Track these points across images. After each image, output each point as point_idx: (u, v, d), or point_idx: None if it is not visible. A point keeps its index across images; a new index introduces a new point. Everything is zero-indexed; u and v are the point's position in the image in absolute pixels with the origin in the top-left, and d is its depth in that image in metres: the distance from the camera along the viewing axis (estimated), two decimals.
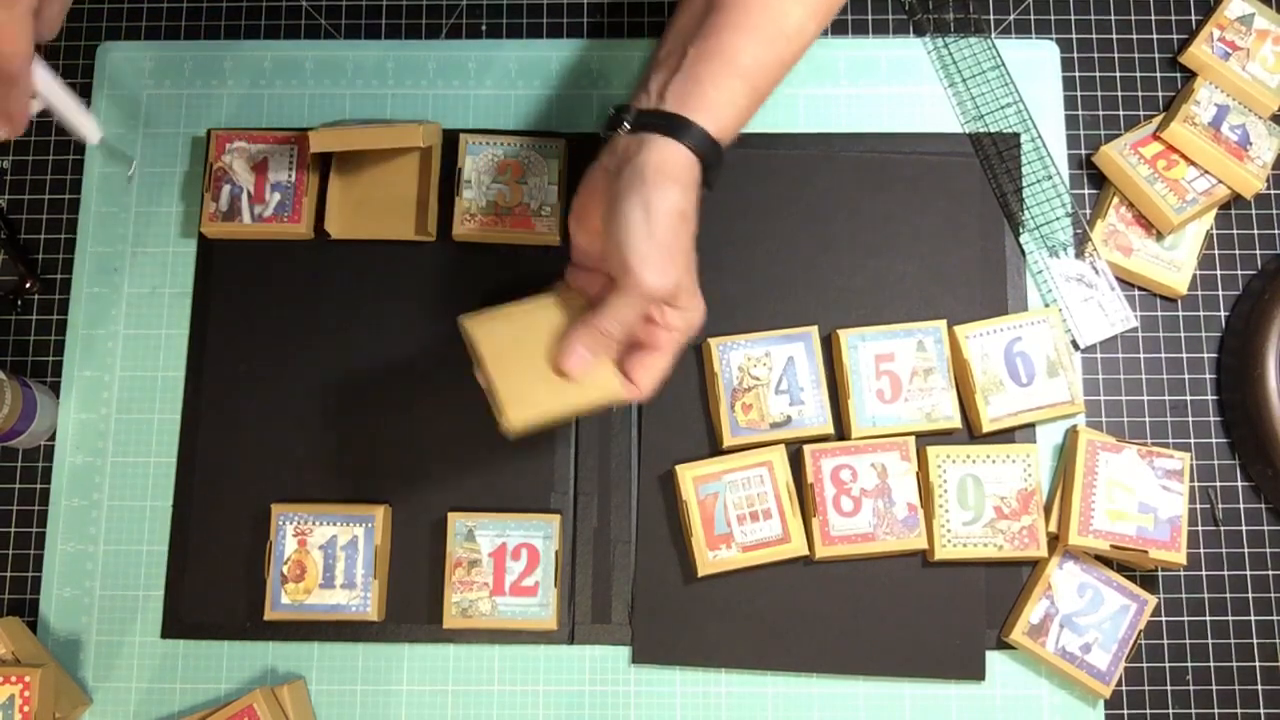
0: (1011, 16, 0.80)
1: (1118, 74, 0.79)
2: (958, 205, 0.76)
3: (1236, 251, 0.77)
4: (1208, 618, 0.72)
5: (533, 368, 0.58)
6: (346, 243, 0.76)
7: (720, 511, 0.70)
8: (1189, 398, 0.75)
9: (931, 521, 0.70)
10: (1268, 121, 0.76)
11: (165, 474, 0.74)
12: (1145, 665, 0.71)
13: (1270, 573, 0.72)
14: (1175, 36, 0.80)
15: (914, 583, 0.71)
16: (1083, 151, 0.78)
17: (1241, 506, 0.73)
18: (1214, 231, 0.77)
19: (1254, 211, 0.77)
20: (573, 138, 0.77)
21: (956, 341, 0.72)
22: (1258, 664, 0.71)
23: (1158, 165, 0.74)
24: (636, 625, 0.71)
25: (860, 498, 0.70)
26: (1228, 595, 0.72)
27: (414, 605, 0.71)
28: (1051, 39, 0.80)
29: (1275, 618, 0.72)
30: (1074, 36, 0.80)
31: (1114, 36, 0.80)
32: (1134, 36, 0.80)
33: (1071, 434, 0.72)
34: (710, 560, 0.69)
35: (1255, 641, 0.71)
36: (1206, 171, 0.74)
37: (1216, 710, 0.70)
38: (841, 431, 0.72)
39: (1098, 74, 0.79)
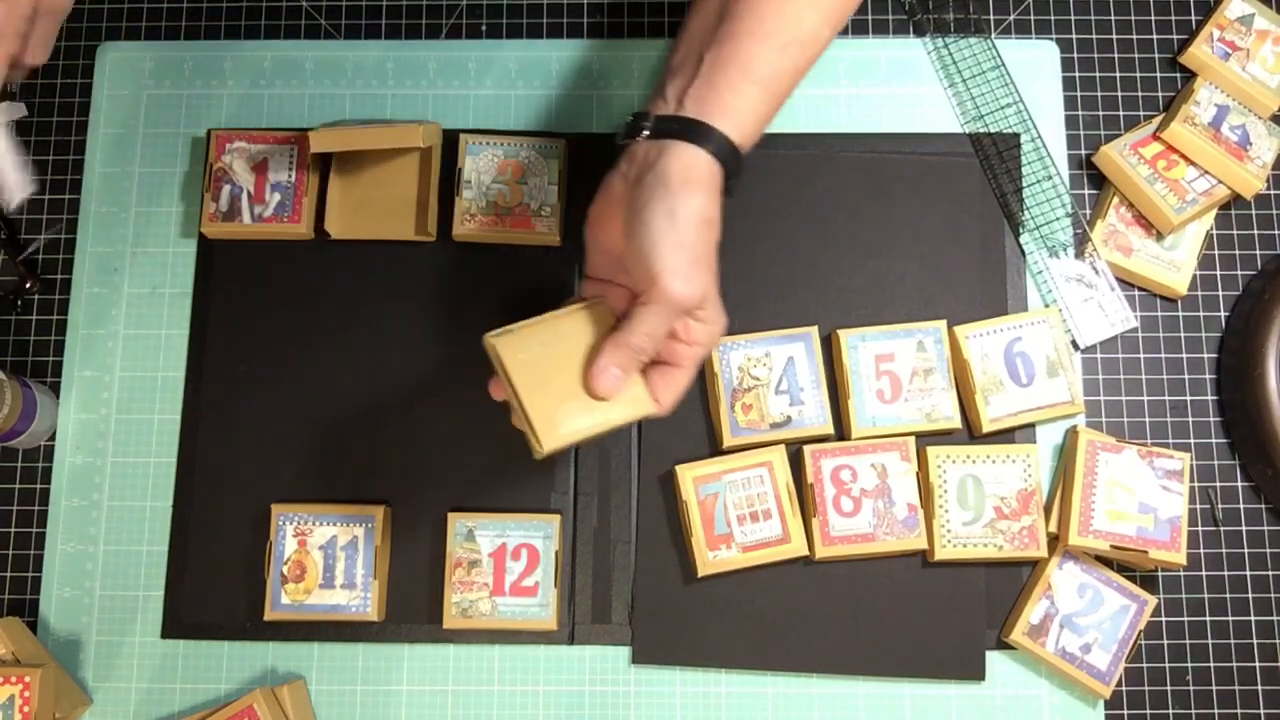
0: (1011, 16, 0.80)
1: (1118, 74, 0.79)
2: (958, 205, 0.76)
3: (1236, 251, 0.77)
4: (1208, 618, 0.72)
5: (561, 387, 0.56)
6: (346, 243, 0.76)
7: (720, 511, 0.70)
8: (1189, 398, 0.75)
9: (931, 522, 0.70)
10: (1268, 122, 0.76)
11: (165, 474, 0.74)
12: (1145, 665, 0.71)
13: (1270, 573, 0.72)
14: (1175, 36, 0.80)
15: (914, 583, 0.71)
16: (1083, 151, 0.78)
17: (1241, 506, 0.73)
18: (1214, 232, 0.77)
19: (1254, 211, 0.77)
20: (573, 138, 0.77)
21: (956, 341, 0.72)
22: (1258, 664, 0.71)
23: (1158, 165, 0.75)
24: (636, 625, 0.71)
25: (860, 498, 0.70)
26: (1228, 595, 0.72)
27: (414, 605, 0.71)
28: (1051, 39, 0.80)
29: (1275, 618, 0.72)
30: (1074, 36, 0.80)
31: (1114, 36, 0.80)
32: (1134, 36, 0.80)
33: (1071, 434, 0.72)
34: (710, 560, 0.69)
35: (1255, 641, 0.71)
36: (1206, 172, 0.74)
37: (1216, 710, 0.70)
38: (841, 432, 0.72)
39: (1098, 74, 0.79)
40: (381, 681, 0.71)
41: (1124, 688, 0.71)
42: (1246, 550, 0.73)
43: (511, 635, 0.71)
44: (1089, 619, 0.69)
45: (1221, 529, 0.73)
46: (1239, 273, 0.76)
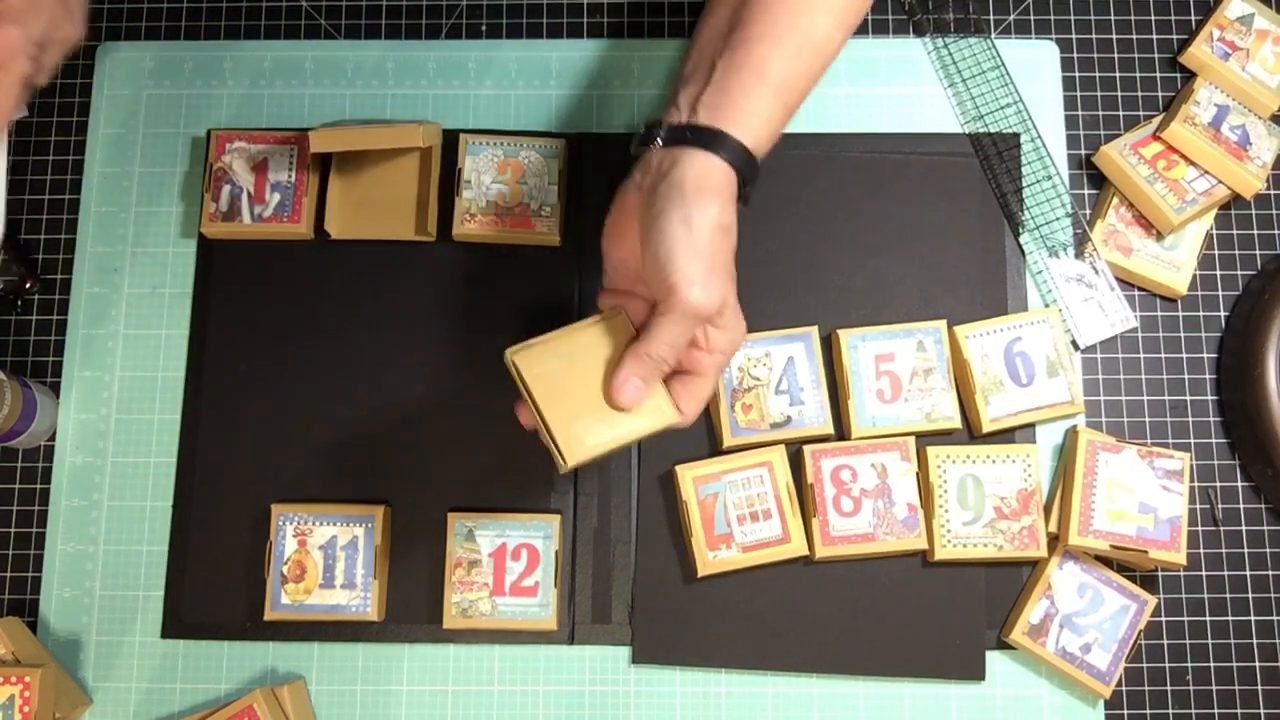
0: (1011, 16, 0.80)
1: (1118, 74, 0.79)
2: (958, 205, 0.76)
3: (1236, 251, 0.77)
4: (1208, 618, 0.72)
5: (583, 401, 0.56)
6: (346, 243, 0.76)
7: (720, 511, 0.70)
8: (1189, 398, 0.75)
9: (931, 521, 0.70)
10: (1268, 122, 0.76)
11: (165, 474, 0.74)
12: (1145, 665, 0.71)
13: (1270, 573, 0.72)
14: (1175, 36, 0.80)
15: (914, 583, 0.71)
16: (1083, 151, 0.78)
17: (1241, 506, 0.73)
18: (1214, 231, 0.77)
19: (1254, 211, 0.77)
20: (573, 138, 0.77)
21: (956, 341, 0.72)
22: (1258, 664, 0.71)
23: (1158, 165, 0.75)
24: (636, 625, 0.71)
25: (860, 498, 0.70)
26: (1228, 595, 0.72)
27: (414, 605, 0.71)
28: (1051, 39, 0.80)
29: (1275, 618, 0.72)
30: (1074, 36, 0.80)
31: (1114, 36, 0.80)
32: (1134, 36, 0.80)
33: (1071, 434, 0.72)
34: (710, 560, 0.69)
35: (1255, 641, 0.71)
36: (1206, 171, 0.74)
37: (1216, 710, 0.70)
38: (841, 432, 0.72)
39: (1098, 74, 0.79)
40: (381, 681, 0.71)
41: (1124, 688, 0.71)
42: (1246, 550, 0.73)
43: (511, 635, 0.71)
44: (1089, 619, 0.69)
45: (1221, 529, 0.73)
46: (1239, 273, 0.76)
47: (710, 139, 0.55)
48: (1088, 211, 0.77)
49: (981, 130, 0.77)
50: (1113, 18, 0.80)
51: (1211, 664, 0.71)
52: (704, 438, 0.73)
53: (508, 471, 0.73)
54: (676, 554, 0.71)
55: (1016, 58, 0.79)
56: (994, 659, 0.71)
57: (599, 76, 0.79)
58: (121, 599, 0.72)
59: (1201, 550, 0.73)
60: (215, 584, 0.72)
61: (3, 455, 0.75)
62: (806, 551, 0.70)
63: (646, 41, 0.80)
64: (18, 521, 0.74)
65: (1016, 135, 0.77)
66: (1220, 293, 0.76)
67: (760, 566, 0.70)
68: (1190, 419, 0.74)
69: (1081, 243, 0.75)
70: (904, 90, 0.79)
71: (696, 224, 0.53)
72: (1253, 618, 0.72)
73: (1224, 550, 0.73)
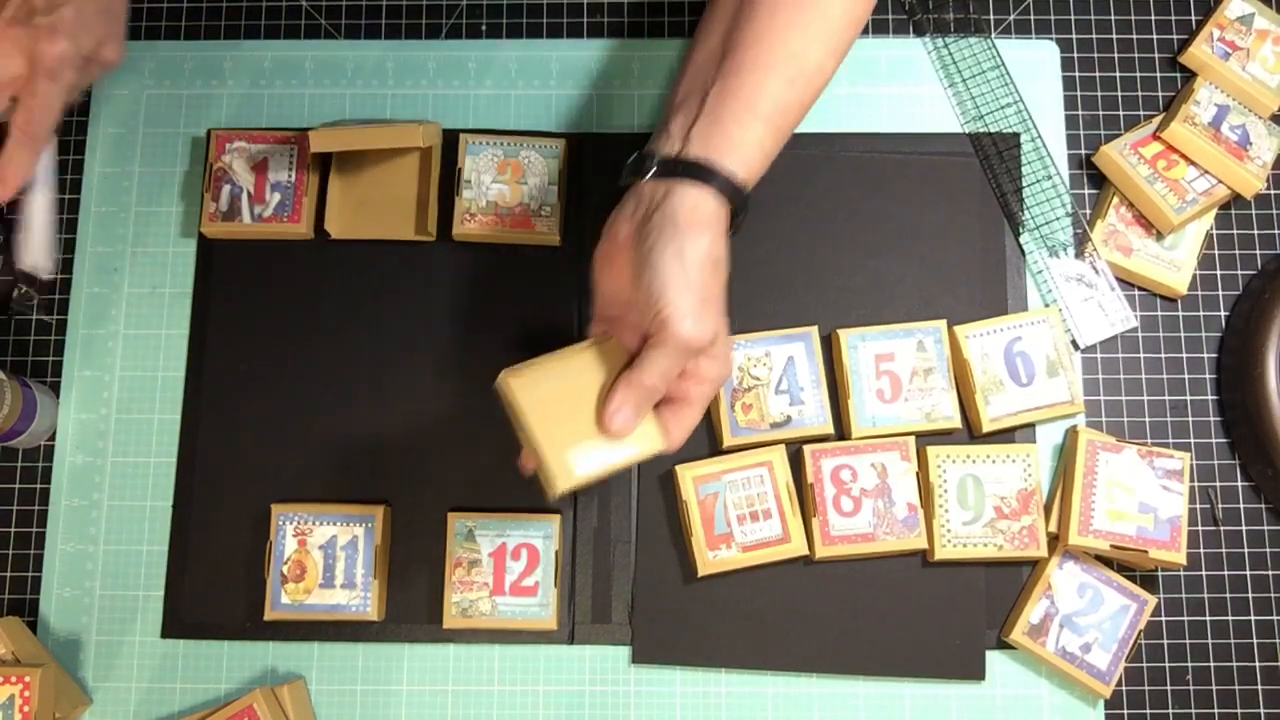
0: (1011, 16, 0.80)
1: (1118, 74, 0.79)
2: (958, 205, 0.76)
3: (1236, 251, 0.77)
4: (1208, 618, 0.72)
5: (575, 427, 0.56)
6: (346, 243, 0.76)
7: (720, 511, 0.70)
8: (1189, 398, 0.75)
9: (931, 521, 0.70)
10: (1268, 121, 0.76)
11: (165, 474, 0.74)
12: (1145, 665, 0.71)
13: (1270, 573, 0.72)
14: (1175, 36, 0.80)
15: (914, 583, 0.71)
16: (1083, 151, 0.78)
17: (1241, 506, 0.73)
18: (1214, 231, 0.77)
19: (1254, 211, 0.77)
20: (573, 138, 0.77)
21: (956, 341, 0.72)
22: (1258, 664, 0.71)
23: (1158, 165, 0.75)
24: (636, 625, 0.71)
25: (860, 498, 0.70)
26: (1228, 595, 0.72)
27: (414, 605, 0.71)
28: (1051, 39, 0.80)
29: (1275, 618, 0.72)
30: (1074, 36, 0.80)
31: (1114, 36, 0.80)
32: (1134, 36, 0.80)
33: (1071, 434, 0.72)
34: (710, 560, 0.69)
35: (1255, 641, 0.71)
36: (1206, 171, 0.74)
37: (1216, 710, 0.70)
38: (841, 431, 0.72)
39: (1098, 74, 0.79)
40: (381, 681, 0.71)
41: (1124, 688, 0.71)
42: (1246, 550, 0.73)
43: (511, 635, 0.71)
44: (1089, 619, 0.69)
45: (1221, 529, 0.73)
46: (1239, 272, 0.76)
47: (702, 171, 0.55)
48: (1088, 211, 0.77)
49: (981, 130, 0.77)
50: (1113, 18, 0.80)
51: (1211, 664, 0.71)
52: (704, 438, 0.73)
53: (508, 471, 0.72)
54: (676, 554, 0.71)
55: (1016, 58, 0.79)
56: (994, 659, 0.71)
57: (599, 76, 0.79)
58: (121, 599, 0.72)
59: (1201, 550, 0.73)
60: (215, 584, 0.72)
61: (3, 455, 0.75)
62: (806, 551, 0.70)
63: (646, 41, 0.80)
64: (18, 521, 0.74)
65: (1016, 135, 0.77)
66: (1220, 293, 0.76)
67: (760, 566, 0.70)
68: (1190, 419, 0.74)
69: (1081, 243, 0.75)
70: (904, 90, 0.79)
71: (689, 257, 0.53)
72: (1253, 618, 0.72)
73: (1224, 550, 0.73)
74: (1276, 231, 0.77)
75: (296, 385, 0.74)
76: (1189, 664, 0.71)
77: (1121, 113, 0.79)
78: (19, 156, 0.57)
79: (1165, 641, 0.71)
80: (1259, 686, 0.71)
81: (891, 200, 0.76)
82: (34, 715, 0.65)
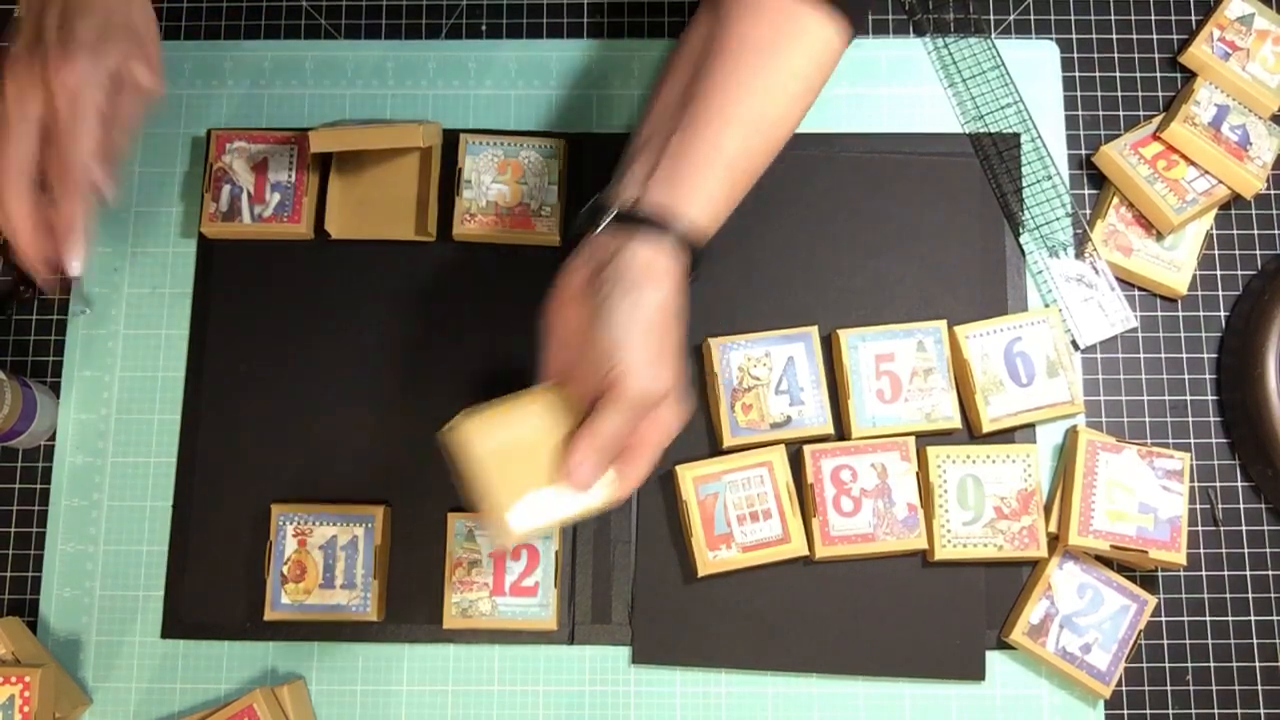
0: (1011, 16, 0.80)
1: (1118, 74, 0.79)
2: (958, 205, 0.76)
3: (1236, 251, 0.77)
4: (1208, 618, 0.72)
5: (526, 479, 0.55)
6: (346, 243, 0.76)
7: (720, 511, 0.70)
8: (1189, 398, 0.75)
9: (931, 521, 0.70)
10: (1268, 121, 0.76)
11: (165, 474, 0.74)
12: (1145, 665, 0.71)
13: (1270, 573, 0.72)
14: (1175, 36, 0.80)
15: (914, 583, 0.71)
16: (1083, 151, 0.78)
17: (1241, 506, 0.73)
18: (1214, 231, 0.77)
19: (1254, 211, 0.77)
20: (573, 138, 0.77)
21: (956, 341, 0.72)
22: (1258, 664, 0.71)
23: (1158, 165, 0.75)
24: (636, 625, 0.71)
25: (860, 498, 0.70)
26: (1228, 595, 0.72)
27: (414, 605, 0.71)
28: (1051, 39, 0.80)
29: (1275, 618, 0.72)
30: (1074, 36, 0.80)
31: (1114, 36, 0.80)
32: (1134, 36, 0.80)
33: (1071, 434, 0.72)
34: (710, 560, 0.69)
35: (1255, 641, 0.71)
36: (1206, 171, 0.74)
37: (1216, 710, 0.70)
38: (841, 431, 0.72)
39: (1098, 74, 0.79)
40: (381, 681, 0.71)
41: (1124, 688, 0.71)
42: (1246, 550, 0.73)
43: (511, 635, 0.71)
44: (1089, 619, 0.69)
45: (1221, 529, 0.73)
46: (1239, 273, 0.76)
47: (659, 223, 0.54)
48: (1088, 211, 0.77)
49: (981, 130, 0.77)
50: (1113, 18, 0.80)
51: (1211, 664, 0.71)
52: (704, 438, 0.73)
53: None
54: (676, 554, 0.71)
55: (1016, 58, 0.79)
56: (994, 659, 0.71)
57: (599, 76, 0.79)
58: (121, 599, 0.72)
59: (1201, 550, 0.72)
60: (215, 584, 0.72)
61: (3, 455, 0.75)
62: (806, 551, 0.70)
63: (646, 41, 0.80)
64: (18, 521, 0.74)
65: (1016, 135, 0.77)
66: (1220, 293, 0.76)
67: (760, 566, 0.70)
68: (1190, 419, 0.74)
69: (1081, 243, 0.75)
70: (904, 90, 0.79)
71: (642, 312, 0.52)
72: (1253, 618, 0.72)
73: (1224, 550, 0.73)
74: (1276, 231, 0.77)
75: (296, 385, 0.74)
76: (1189, 664, 0.71)
77: (1121, 113, 0.79)
78: (65, 207, 0.53)
79: (1165, 641, 0.71)
80: (1259, 686, 0.71)
81: (891, 200, 0.76)
82: (34, 715, 0.65)
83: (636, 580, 0.71)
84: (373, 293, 0.75)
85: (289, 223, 0.75)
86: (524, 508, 0.54)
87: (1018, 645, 0.69)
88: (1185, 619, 0.72)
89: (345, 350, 0.75)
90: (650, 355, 0.53)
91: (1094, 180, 0.78)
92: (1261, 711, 0.70)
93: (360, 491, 0.72)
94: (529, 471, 0.55)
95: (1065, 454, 0.73)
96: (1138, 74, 0.79)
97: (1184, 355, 0.75)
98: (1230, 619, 0.72)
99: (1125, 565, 0.71)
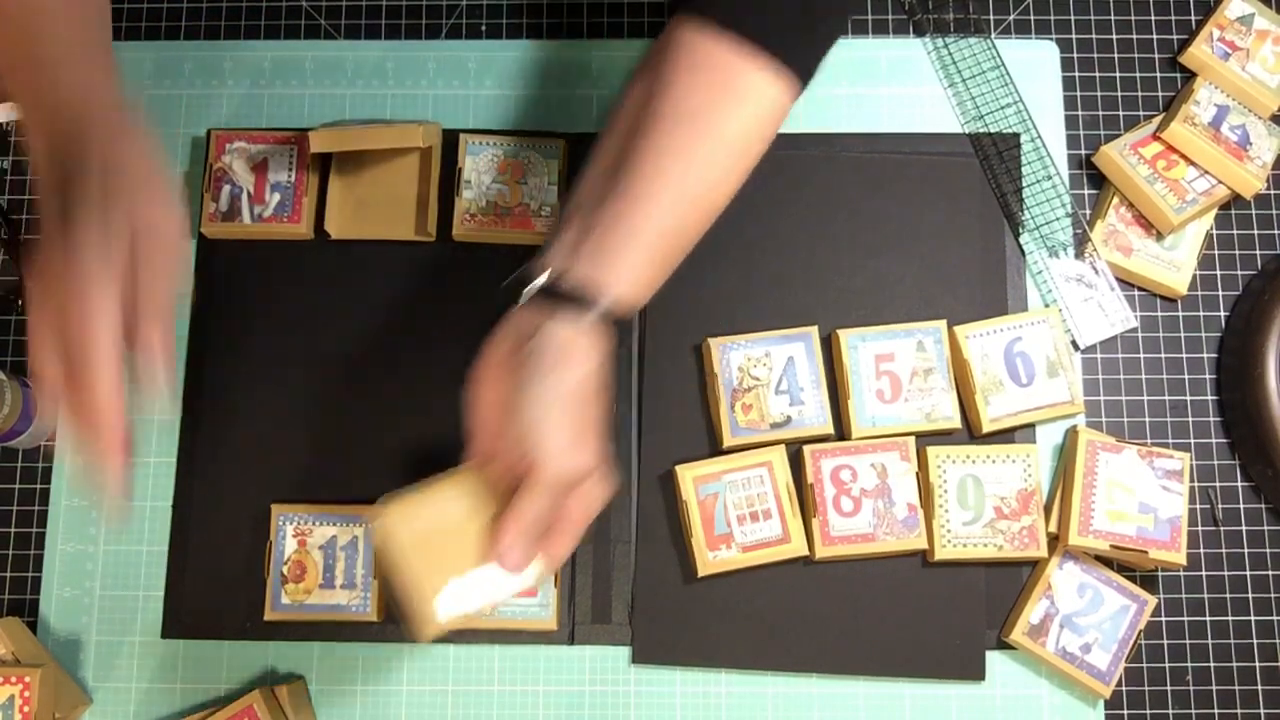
0: (1011, 16, 0.80)
1: (1118, 74, 0.79)
2: (958, 205, 0.76)
3: (1236, 251, 0.77)
4: (1208, 618, 0.72)
5: (451, 565, 0.54)
6: (346, 243, 0.76)
7: (720, 511, 0.70)
8: (1189, 398, 0.75)
9: (931, 521, 0.70)
10: (1268, 122, 0.76)
11: (165, 474, 0.74)
12: (1145, 665, 0.71)
13: (1270, 573, 0.72)
14: (1175, 36, 0.80)
15: (914, 583, 0.71)
16: (1083, 151, 0.78)
17: (1241, 506, 0.73)
18: (1214, 231, 0.77)
19: (1254, 211, 0.77)
20: (573, 138, 0.77)
21: (956, 341, 0.72)
22: (1258, 664, 0.71)
23: (1158, 165, 0.75)
24: (636, 625, 0.71)
25: (860, 498, 0.70)
26: (1228, 595, 0.72)
27: None
28: (1051, 39, 0.80)
29: (1275, 618, 0.72)
30: (1074, 36, 0.80)
31: (1114, 36, 0.80)
32: (1134, 36, 0.80)
33: (1071, 434, 0.72)
34: (710, 560, 0.69)
35: (1255, 641, 0.71)
36: (1206, 171, 0.74)
37: (1216, 710, 0.70)
38: (841, 432, 0.72)
39: (1098, 74, 0.79)
40: (381, 681, 0.71)
41: (1124, 688, 0.71)
42: (1246, 550, 0.72)
43: (511, 635, 0.71)
44: (1089, 619, 0.69)
45: (1221, 529, 0.73)
46: (1239, 273, 0.76)
47: (583, 297, 0.53)
48: (1088, 211, 0.77)
49: (981, 130, 0.77)
50: (1113, 18, 0.80)
51: (1211, 664, 0.71)
52: (704, 438, 0.73)
53: None
54: (676, 554, 0.71)
55: (1016, 58, 0.79)
56: (994, 659, 0.71)
57: (599, 76, 0.79)
58: (121, 599, 0.72)
59: (1201, 550, 0.72)
60: (215, 584, 0.72)
61: (3, 455, 0.75)
62: (806, 551, 0.70)
63: (647, 42, 0.80)
64: (18, 521, 0.74)
65: (1016, 135, 0.77)
66: (1220, 293, 0.76)
67: (760, 566, 0.70)
68: (1190, 419, 0.74)
69: (1081, 243, 0.75)
70: (904, 90, 0.79)
71: (561, 392, 0.52)
72: (1253, 618, 0.72)
73: (1224, 550, 0.73)
74: (1276, 231, 0.77)
75: (296, 385, 0.74)
76: (1189, 664, 0.71)
77: (1121, 113, 0.79)
78: (89, 388, 0.48)
79: (1165, 641, 0.71)
80: (1259, 686, 0.71)
81: (891, 200, 0.76)
82: (34, 715, 0.65)
83: (636, 580, 0.71)
84: (372, 293, 0.75)
85: (289, 223, 0.75)
86: (450, 594, 0.54)
87: (1018, 645, 0.69)
88: (1185, 619, 0.72)
89: (345, 350, 0.75)
90: (569, 437, 0.52)
91: (1094, 180, 0.78)
92: (1261, 711, 0.70)
93: (360, 491, 0.72)
94: (454, 556, 0.54)
95: (1065, 454, 0.73)
96: (1137, 74, 0.79)
97: (1184, 355, 0.75)
98: (1230, 619, 0.72)
99: (1125, 565, 0.71)
